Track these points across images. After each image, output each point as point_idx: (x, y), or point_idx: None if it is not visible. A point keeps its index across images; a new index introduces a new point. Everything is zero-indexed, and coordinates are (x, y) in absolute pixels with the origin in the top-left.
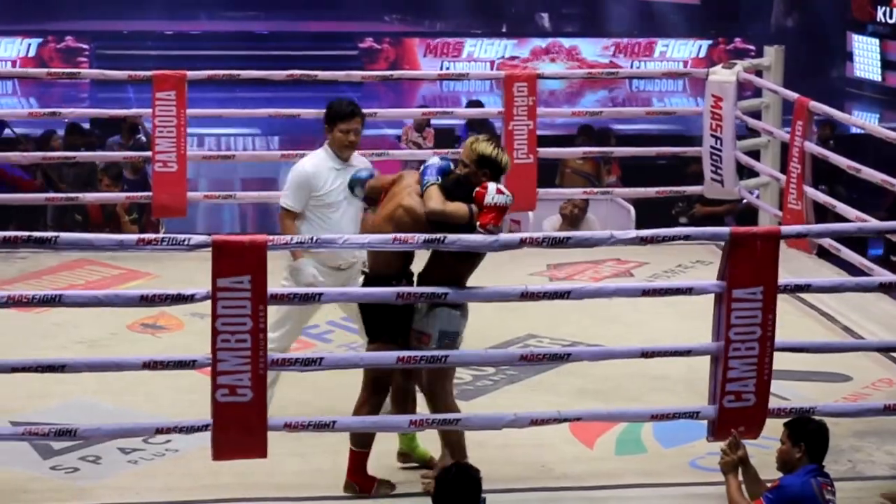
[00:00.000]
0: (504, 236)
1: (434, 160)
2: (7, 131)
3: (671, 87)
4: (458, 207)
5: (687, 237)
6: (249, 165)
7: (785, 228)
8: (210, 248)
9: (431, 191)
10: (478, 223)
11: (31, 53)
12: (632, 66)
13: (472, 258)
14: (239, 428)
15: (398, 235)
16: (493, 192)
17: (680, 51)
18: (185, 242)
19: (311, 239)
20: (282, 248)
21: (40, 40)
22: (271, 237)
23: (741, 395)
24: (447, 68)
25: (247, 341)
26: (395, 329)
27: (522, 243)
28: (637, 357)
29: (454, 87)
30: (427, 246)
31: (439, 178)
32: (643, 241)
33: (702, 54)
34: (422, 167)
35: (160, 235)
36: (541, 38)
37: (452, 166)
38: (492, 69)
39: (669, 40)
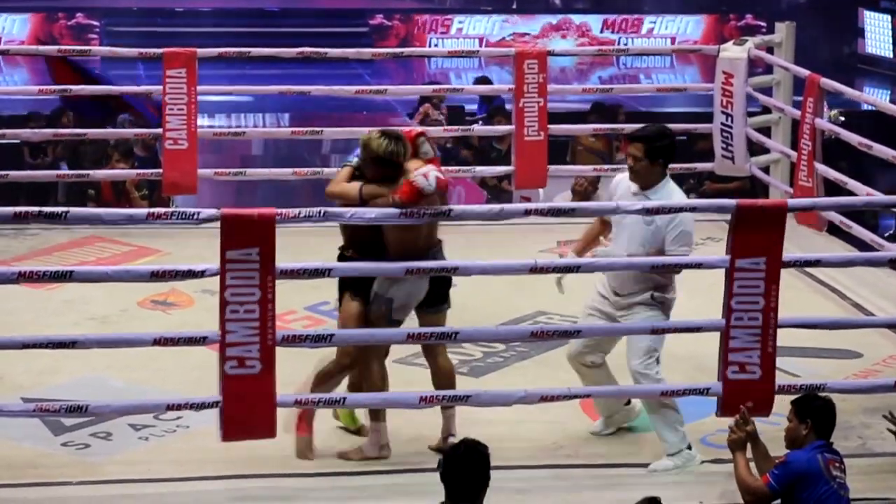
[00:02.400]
0: (509, 206)
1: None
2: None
3: (658, 64)
4: (349, 188)
5: (693, 209)
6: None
7: (791, 201)
8: (219, 222)
9: (340, 172)
10: (394, 196)
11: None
12: (619, 43)
13: (413, 229)
14: (248, 402)
15: (406, 210)
16: (420, 174)
17: (668, 27)
18: (195, 216)
19: (319, 212)
20: (290, 221)
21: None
22: (280, 210)
23: (745, 366)
24: (436, 45)
25: (255, 312)
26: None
27: (527, 213)
28: (647, 334)
29: (443, 65)
30: (434, 219)
31: (354, 159)
32: (649, 212)
33: (689, 30)
34: None
35: (170, 210)
36: (551, 14)
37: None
38: (480, 46)
39: (657, 16)
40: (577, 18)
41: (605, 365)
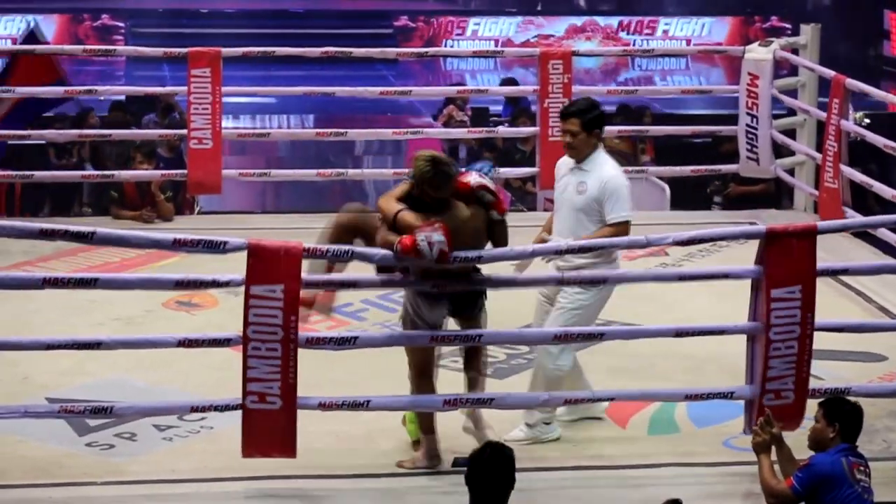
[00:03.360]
0: (540, 246)
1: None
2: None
3: (674, 66)
4: (389, 207)
5: (721, 238)
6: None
7: (821, 224)
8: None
9: (399, 187)
10: (398, 242)
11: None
12: (634, 45)
13: None
14: (268, 433)
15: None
16: (424, 237)
17: (683, 29)
18: (221, 247)
19: (347, 252)
20: (317, 256)
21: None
22: (307, 245)
23: (780, 392)
24: (451, 46)
25: (277, 351)
26: None
27: (559, 253)
28: (671, 336)
29: (458, 66)
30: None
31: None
32: (678, 244)
33: (705, 32)
34: None
35: (196, 238)
36: (576, 15)
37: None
38: (496, 46)
39: (672, 18)
40: (601, 20)
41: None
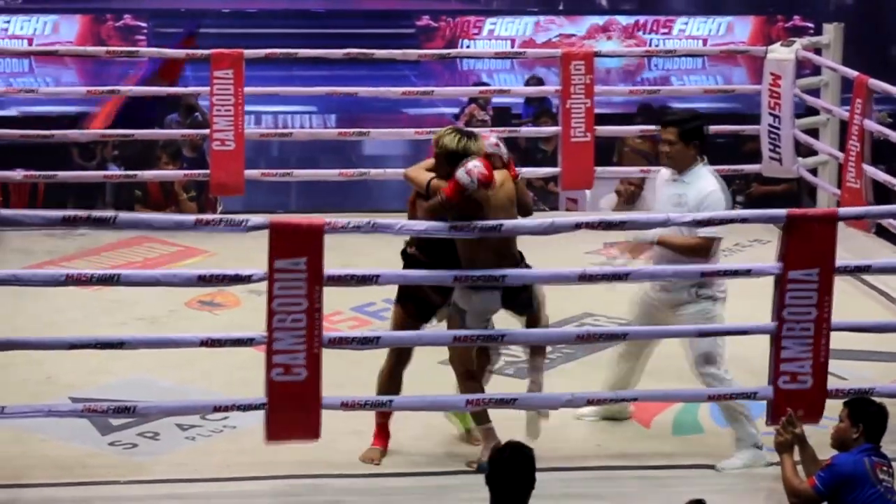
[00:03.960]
0: (559, 219)
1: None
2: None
3: (690, 65)
4: (420, 176)
5: (743, 220)
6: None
7: (842, 210)
8: (267, 230)
9: (426, 161)
10: (441, 192)
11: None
12: (650, 45)
13: (481, 241)
14: (293, 407)
15: (455, 224)
16: (463, 170)
17: (699, 28)
18: (243, 224)
19: (368, 223)
20: (339, 231)
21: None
22: (328, 220)
23: (797, 376)
24: (467, 46)
25: (302, 321)
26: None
27: (578, 227)
28: (694, 336)
29: (475, 66)
30: (483, 234)
31: None
32: (699, 224)
33: (721, 31)
34: None
35: (218, 217)
36: (598, 15)
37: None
38: (512, 47)
39: (688, 18)
40: (623, 20)
41: (637, 360)
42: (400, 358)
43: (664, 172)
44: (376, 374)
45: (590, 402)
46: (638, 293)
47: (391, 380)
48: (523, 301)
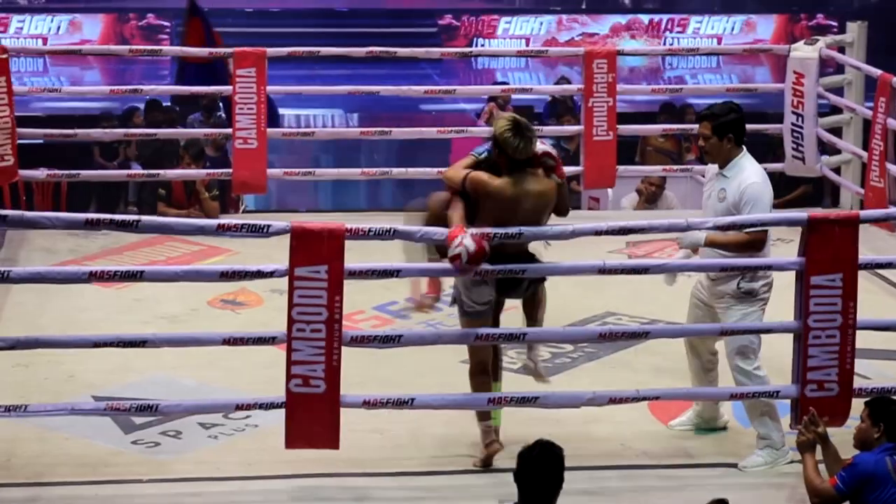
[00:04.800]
0: (580, 226)
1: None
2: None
3: (705, 64)
4: (457, 174)
5: (763, 224)
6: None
7: (864, 213)
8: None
9: (464, 160)
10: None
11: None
12: (664, 44)
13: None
14: (312, 419)
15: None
16: (454, 247)
17: (714, 27)
18: (265, 230)
19: (389, 230)
20: (360, 237)
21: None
22: (349, 226)
23: (823, 384)
24: (482, 45)
25: (322, 332)
26: None
27: (598, 234)
28: (716, 335)
29: (490, 65)
30: (499, 240)
31: (484, 153)
32: (718, 229)
33: (736, 30)
34: None
35: (240, 221)
36: (621, 14)
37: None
38: (527, 45)
39: (703, 17)
40: (646, 18)
41: (710, 359)
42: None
43: (712, 166)
44: (398, 371)
45: (612, 401)
46: (692, 293)
47: (480, 376)
48: (525, 287)
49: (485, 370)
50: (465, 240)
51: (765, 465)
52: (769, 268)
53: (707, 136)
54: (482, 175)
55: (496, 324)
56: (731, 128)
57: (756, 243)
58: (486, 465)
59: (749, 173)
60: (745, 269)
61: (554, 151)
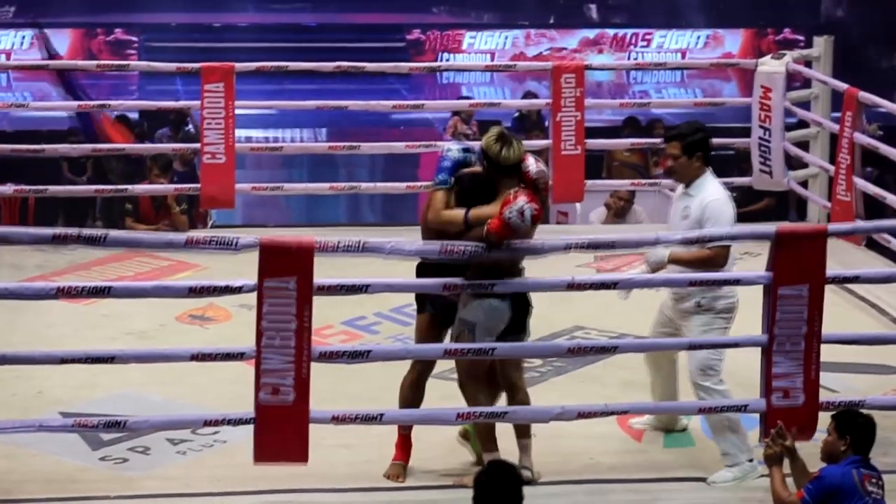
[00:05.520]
0: (550, 241)
1: (451, 150)
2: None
3: (669, 79)
4: (453, 216)
5: (732, 238)
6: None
7: (831, 226)
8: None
9: (435, 197)
10: (486, 227)
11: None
12: (629, 58)
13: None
14: (280, 430)
15: (445, 244)
16: (515, 210)
17: (678, 41)
18: (233, 244)
19: (358, 244)
20: (329, 252)
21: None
22: (318, 240)
23: (789, 392)
24: (447, 60)
25: (291, 342)
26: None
27: (568, 249)
28: (685, 349)
29: (455, 79)
30: (473, 258)
31: (450, 178)
32: (689, 243)
33: (700, 44)
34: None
35: (208, 236)
36: (589, 28)
37: (472, 155)
38: (492, 60)
39: (667, 31)
40: (613, 33)
41: (671, 367)
42: (424, 368)
43: (679, 188)
44: (366, 387)
45: (580, 416)
46: (659, 307)
47: (416, 390)
48: (521, 324)
49: (420, 385)
50: (527, 206)
51: (733, 480)
52: (737, 282)
53: (676, 155)
54: (485, 210)
55: None
56: (700, 146)
57: (717, 259)
58: None
59: (711, 191)
60: (711, 284)
61: (545, 172)
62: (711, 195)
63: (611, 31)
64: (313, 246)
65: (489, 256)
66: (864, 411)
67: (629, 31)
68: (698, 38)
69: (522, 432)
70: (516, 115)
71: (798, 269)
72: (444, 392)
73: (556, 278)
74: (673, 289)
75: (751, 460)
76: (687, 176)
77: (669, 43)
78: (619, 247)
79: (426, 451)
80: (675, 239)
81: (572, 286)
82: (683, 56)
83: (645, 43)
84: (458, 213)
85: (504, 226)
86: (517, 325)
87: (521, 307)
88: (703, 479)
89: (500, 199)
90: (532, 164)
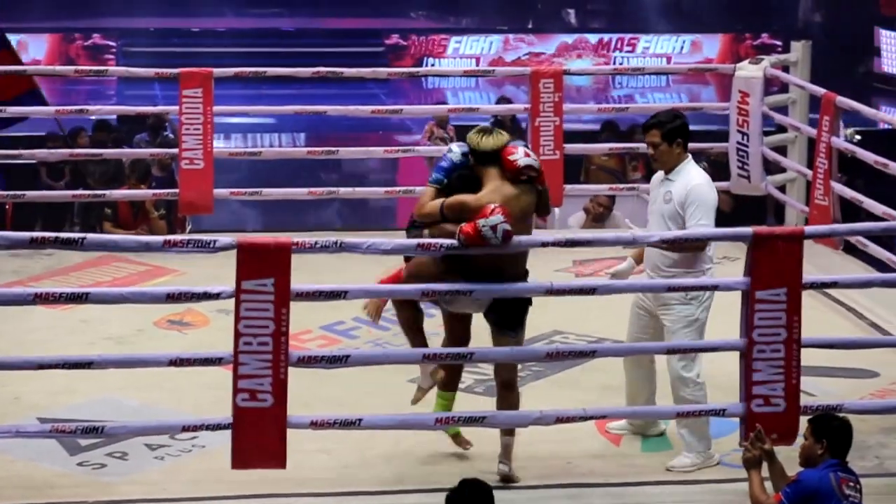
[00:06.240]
0: (526, 238)
1: (453, 152)
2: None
3: (654, 83)
4: (432, 207)
5: (708, 238)
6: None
7: (808, 228)
8: (235, 250)
9: (424, 193)
10: (459, 230)
11: None
12: (614, 62)
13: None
14: (258, 434)
15: (422, 241)
16: (489, 224)
17: (663, 46)
18: (211, 245)
19: (336, 242)
20: (307, 251)
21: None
22: (296, 239)
23: (770, 399)
24: (432, 65)
25: (269, 345)
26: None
27: (545, 245)
28: (663, 353)
29: (440, 84)
30: (449, 251)
31: (444, 179)
32: (665, 242)
33: (686, 49)
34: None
35: (186, 237)
36: (567, 33)
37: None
38: (477, 65)
39: (652, 36)
40: (593, 38)
41: (650, 366)
42: (416, 312)
43: (657, 175)
44: (345, 391)
45: (559, 420)
46: (634, 301)
47: (417, 332)
48: (509, 321)
49: (412, 327)
50: (501, 223)
51: (692, 466)
52: (715, 288)
53: (657, 143)
54: (459, 196)
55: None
56: (679, 133)
57: (699, 242)
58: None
59: (694, 175)
60: (689, 290)
61: (536, 164)
62: (694, 179)
63: (592, 36)
64: (290, 246)
65: (465, 254)
66: (842, 415)
67: (614, 37)
68: (683, 43)
69: (507, 430)
70: (491, 120)
71: (775, 272)
72: (424, 398)
73: (535, 283)
74: (658, 271)
75: (709, 448)
76: (669, 163)
77: (654, 48)
78: (596, 244)
79: (405, 457)
80: (652, 239)
81: (552, 291)
82: (668, 61)
83: (630, 48)
84: (437, 203)
85: (477, 235)
86: (510, 321)
87: (515, 305)
88: (681, 483)
89: (482, 189)
90: (521, 156)
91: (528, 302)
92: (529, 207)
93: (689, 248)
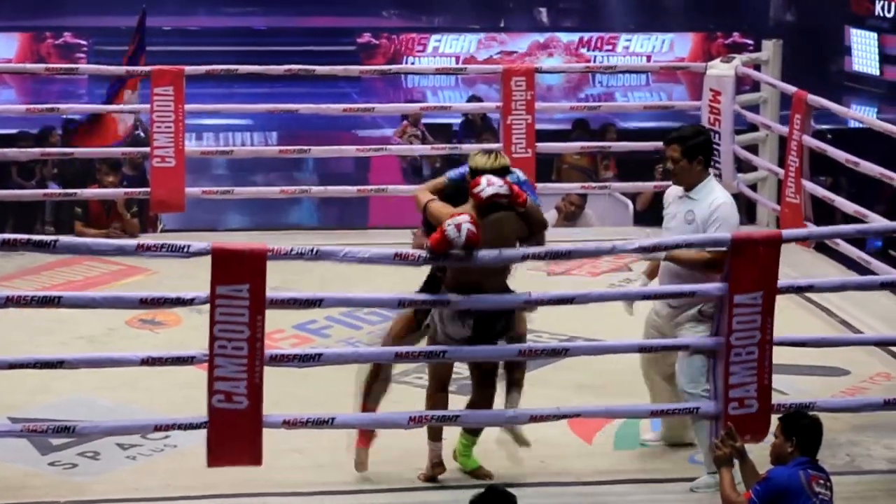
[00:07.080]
0: (508, 251)
1: (475, 158)
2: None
3: (635, 82)
4: (421, 196)
5: (689, 245)
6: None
7: (786, 232)
8: (210, 255)
9: (435, 182)
10: (428, 240)
11: None
12: (595, 61)
13: (464, 270)
14: (234, 435)
15: (399, 252)
16: (453, 223)
17: (643, 45)
18: (185, 249)
19: (311, 250)
20: (282, 258)
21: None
22: (271, 246)
23: (744, 401)
24: (412, 63)
25: (244, 349)
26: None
27: (524, 259)
28: (635, 352)
29: (420, 83)
30: (428, 263)
31: (453, 179)
32: (644, 250)
33: (665, 48)
34: None
35: (160, 242)
36: (539, 32)
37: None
38: (457, 63)
39: (632, 35)
40: (564, 37)
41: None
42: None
43: (674, 189)
44: (317, 391)
45: (532, 419)
46: (647, 313)
47: (378, 378)
48: (499, 329)
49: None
50: (466, 222)
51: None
52: (692, 294)
53: (676, 158)
54: (439, 208)
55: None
56: (701, 150)
57: (716, 263)
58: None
59: (718, 194)
60: (671, 297)
61: (503, 190)
62: (719, 198)
63: (564, 35)
64: (266, 253)
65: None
66: (814, 413)
67: (594, 35)
68: (663, 42)
69: (513, 387)
70: (462, 119)
71: (753, 276)
72: (396, 396)
73: (514, 295)
74: (671, 301)
75: None
76: (688, 180)
77: (634, 47)
78: (575, 256)
79: (378, 456)
80: (629, 248)
81: (530, 303)
82: (649, 60)
83: (610, 47)
84: (426, 196)
85: (441, 235)
86: (500, 331)
87: (490, 320)
88: (653, 481)
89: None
90: (483, 186)
91: (511, 313)
92: (511, 233)
93: (706, 268)
